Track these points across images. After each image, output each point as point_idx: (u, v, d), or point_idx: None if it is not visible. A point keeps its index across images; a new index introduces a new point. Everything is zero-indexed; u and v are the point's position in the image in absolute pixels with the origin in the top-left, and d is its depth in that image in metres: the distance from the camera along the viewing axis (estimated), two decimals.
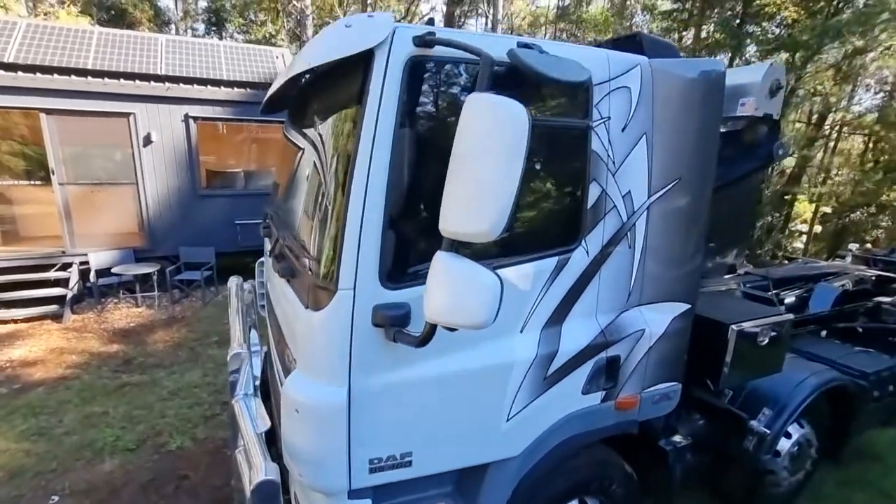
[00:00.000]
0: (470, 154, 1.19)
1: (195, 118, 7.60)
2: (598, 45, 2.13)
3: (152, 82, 7.35)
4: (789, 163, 16.16)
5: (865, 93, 16.34)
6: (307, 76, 1.84)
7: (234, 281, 3.08)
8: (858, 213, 13.45)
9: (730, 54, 13.46)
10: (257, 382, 2.15)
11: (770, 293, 3.87)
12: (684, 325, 2.15)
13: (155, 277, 7.08)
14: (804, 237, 17.06)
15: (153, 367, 5.18)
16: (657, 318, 2.09)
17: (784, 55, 13.21)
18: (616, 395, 2.05)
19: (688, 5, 14.28)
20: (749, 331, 2.52)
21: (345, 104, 1.62)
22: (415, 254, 1.56)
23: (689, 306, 2.14)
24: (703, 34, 14.18)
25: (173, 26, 24.83)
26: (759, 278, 4.53)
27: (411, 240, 1.54)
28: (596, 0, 22.20)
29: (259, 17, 23.18)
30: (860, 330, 4.33)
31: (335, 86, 1.70)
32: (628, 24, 19.64)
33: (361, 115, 1.45)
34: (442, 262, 1.26)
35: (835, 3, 11.94)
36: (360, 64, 1.46)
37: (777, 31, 14.01)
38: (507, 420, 1.81)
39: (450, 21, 18.29)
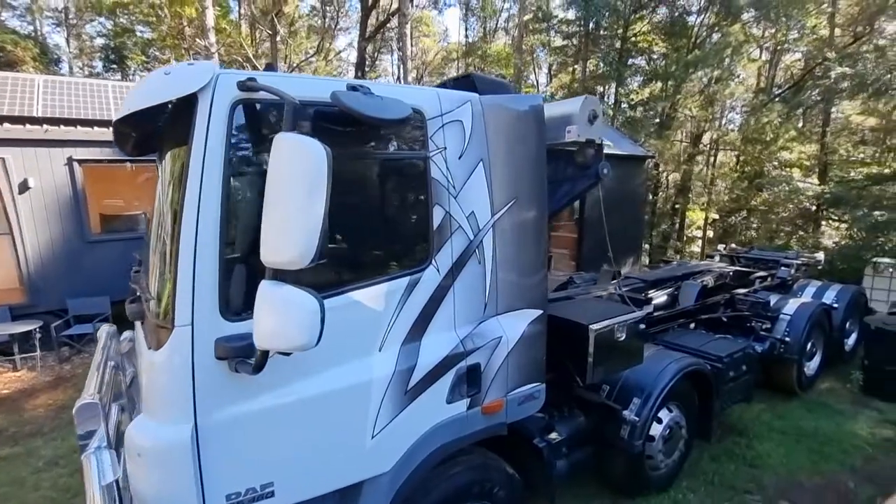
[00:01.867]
0: (278, 189, 1.30)
1: (80, 161, 7.10)
2: (441, 84, 2.37)
3: (27, 125, 6.80)
4: (675, 177, 18.13)
5: (731, 113, 18.90)
6: (150, 117, 1.87)
7: (104, 329, 2.91)
8: (734, 217, 15.27)
9: (615, 83, 15.09)
10: None
11: (643, 294, 4.32)
12: (539, 328, 2.38)
13: (37, 335, 6.37)
14: (700, 241, 19.02)
15: (29, 436, 4.63)
16: (513, 325, 2.30)
17: (659, 84, 15.03)
18: (482, 400, 2.21)
19: (574, 41, 15.82)
20: (606, 329, 2.82)
21: (180, 144, 1.68)
22: (253, 285, 1.62)
23: (541, 311, 2.38)
24: (592, 67, 15.78)
25: (65, 65, 23.08)
26: (637, 281, 5.05)
27: (249, 272, 1.61)
28: (500, 36, 23.90)
29: (164, 55, 22.23)
30: (724, 319, 4.94)
31: (172, 127, 1.76)
32: (529, 58, 21.32)
33: (190, 155, 1.52)
34: (264, 291, 1.35)
35: (693, 40, 13.88)
36: (187, 107, 1.54)
37: (653, 64, 15.95)
38: (373, 437, 1.89)
39: (362, 57, 18.72)
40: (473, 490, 2.33)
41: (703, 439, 3.91)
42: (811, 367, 5.22)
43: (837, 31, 12.94)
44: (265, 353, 1.42)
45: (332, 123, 1.69)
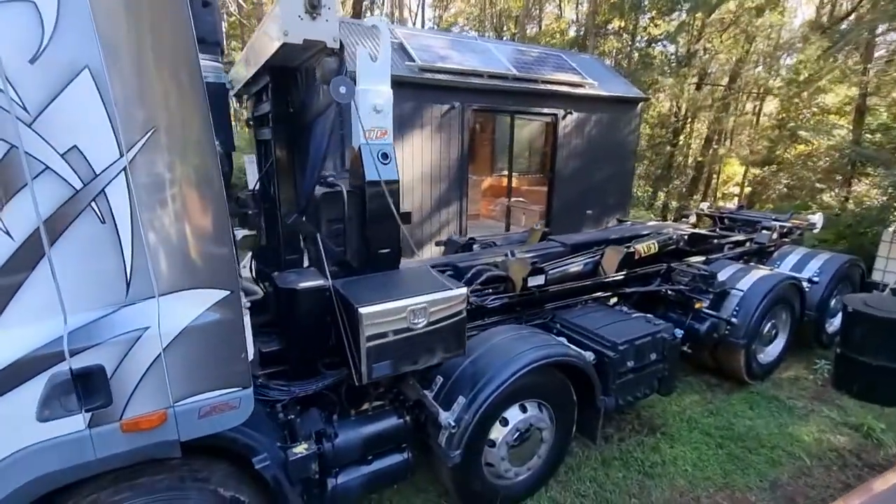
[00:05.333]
0: None
1: None
2: None
3: None
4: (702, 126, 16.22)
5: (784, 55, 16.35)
6: None
7: None
8: (764, 170, 13.53)
9: (634, 14, 13.21)
10: None
11: (534, 262, 3.51)
12: (226, 316, 1.71)
13: None
14: (736, 199, 17.16)
15: None
16: (177, 312, 1.63)
17: (683, 14, 13.04)
18: (119, 414, 1.59)
19: None
20: (386, 313, 2.12)
21: None
22: None
23: (227, 292, 1.70)
24: None
25: None
26: (558, 245, 4.22)
27: None
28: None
29: None
30: (670, 294, 4.07)
31: None
32: None
33: None
34: None
35: None
36: None
37: None
38: None
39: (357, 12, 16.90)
40: None
41: (589, 440, 3.24)
42: (769, 352, 4.32)
43: None
44: None
45: None
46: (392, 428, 2.51)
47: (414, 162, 6.37)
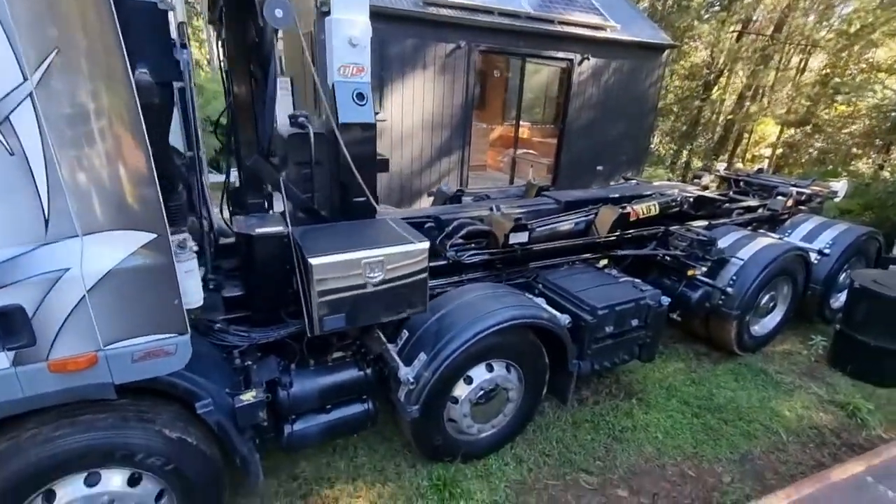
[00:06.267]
0: None
1: None
2: None
3: None
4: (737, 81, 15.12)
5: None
6: None
7: None
8: (798, 131, 12.69)
9: None
10: None
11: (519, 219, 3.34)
12: (154, 260, 1.62)
13: None
14: (767, 160, 16.24)
15: None
16: (101, 254, 1.55)
17: None
18: (45, 355, 1.56)
19: None
20: (339, 264, 2.02)
21: None
22: None
23: (154, 235, 1.60)
24: None
25: None
26: (552, 201, 4.02)
27: None
28: None
29: None
30: (668, 259, 3.89)
31: None
32: None
33: None
34: None
35: None
36: None
37: None
38: None
39: None
40: (90, 459, 1.79)
41: (560, 402, 3.22)
42: (764, 324, 4.17)
43: None
44: None
45: None
46: (351, 380, 2.49)
47: (414, 106, 6.05)
